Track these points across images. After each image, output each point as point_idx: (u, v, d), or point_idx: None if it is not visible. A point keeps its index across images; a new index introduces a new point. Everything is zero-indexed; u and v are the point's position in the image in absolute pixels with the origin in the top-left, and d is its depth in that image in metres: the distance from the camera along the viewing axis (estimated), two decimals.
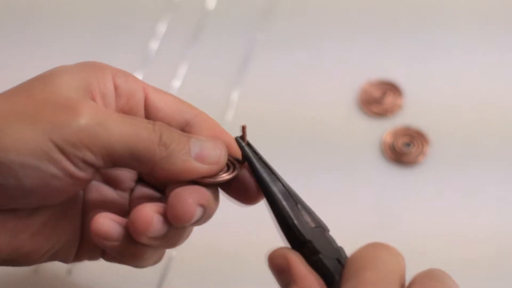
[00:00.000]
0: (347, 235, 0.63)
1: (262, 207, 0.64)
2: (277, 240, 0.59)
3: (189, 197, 0.47)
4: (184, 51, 0.72)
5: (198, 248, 0.62)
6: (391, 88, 0.69)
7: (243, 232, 0.63)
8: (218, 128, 0.51)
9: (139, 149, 0.46)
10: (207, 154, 0.48)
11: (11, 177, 0.45)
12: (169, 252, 0.62)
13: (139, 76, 0.70)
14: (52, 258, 0.50)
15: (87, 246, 0.51)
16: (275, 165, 0.64)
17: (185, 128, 0.50)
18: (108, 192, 0.52)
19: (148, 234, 0.47)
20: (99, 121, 0.46)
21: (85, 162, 0.46)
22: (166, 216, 0.47)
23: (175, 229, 0.48)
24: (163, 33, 0.73)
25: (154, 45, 0.72)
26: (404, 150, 0.66)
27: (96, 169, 0.47)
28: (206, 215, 0.48)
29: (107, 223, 0.47)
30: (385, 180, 0.65)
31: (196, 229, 0.63)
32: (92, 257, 0.52)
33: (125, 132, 0.46)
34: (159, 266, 0.61)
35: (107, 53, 0.72)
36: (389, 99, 0.68)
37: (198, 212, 0.47)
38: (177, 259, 0.62)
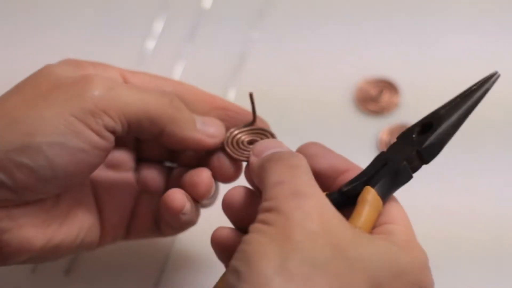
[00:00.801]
0: None
1: None
2: None
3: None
4: (181, 50, 0.72)
5: (195, 244, 0.62)
6: (387, 86, 0.69)
7: None
8: (199, 92, 0.56)
9: (152, 109, 0.50)
10: (209, 128, 0.53)
11: (41, 159, 0.47)
12: (167, 249, 0.62)
13: None
14: (80, 246, 0.52)
15: (108, 229, 0.54)
16: None
17: None
18: (112, 174, 0.55)
19: (209, 195, 0.52)
20: (111, 88, 0.48)
21: (106, 128, 0.48)
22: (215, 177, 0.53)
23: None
24: (160, 32, 0.73)
25: (150, 44, 0.73)
26: None
27: (115, 135, 0.49)
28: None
29: (181, 198, 0.51)
30: None
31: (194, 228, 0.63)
32: (115, 238, 0.55)
33: (138, 95, 0.49)
34: (157, 264, 0.61)
35: (103, 52, 0.72)
36: (386, 97, 0.68)
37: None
38: (173, 257, 0.62)
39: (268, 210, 0.43)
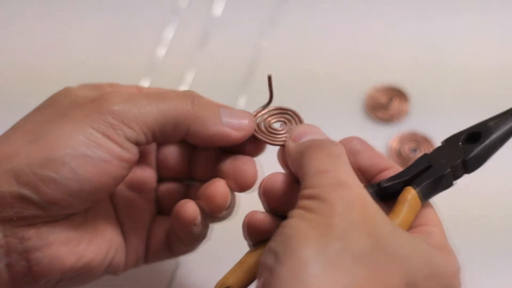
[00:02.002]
0: None
1: None
2: None
3: (250, 166, 0.52)
4: (191, 57, 0.72)
5: (204, 256, 0.62)
6: (397, 93, 0.69)
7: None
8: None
9: (172, 113, 0.50)
10: (236, 121, 0.52)
11: (66, 171, 0.47)
12: (176, 259, 0.62)
13: (146, 83, 0.71)
14: (109, 268, 0.53)
15: (131, 251, 0.54)
16: None
17: None
18: (133, 195, 0.55)
19: (225, 206, 0.51)
20: (129, 100, 0.49)
21: (128, 139, 0.49)
22: (231, 187, 0.52)
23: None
24: (170, 39, 0.73)
25: (161, 51, 0.73)
26: (410, 156, 0.66)
27: (139, 145, 0.50)
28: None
29: (193, 208, 0.51)
30: None
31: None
32: (137, 261, 0.55)
33: (157, 102, 0.50)
34: (166, 272, 0.61)
35: (115, 58, 0.73)
36: (396, 105, 0.68)
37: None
38: (183, 266, 0.62)
39: (311, 197, 0.43)
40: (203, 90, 0.70)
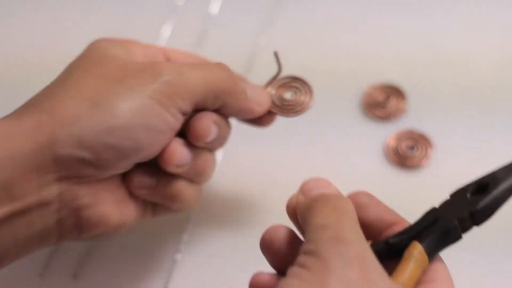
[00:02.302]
0: None
1: (264, 215, 0.64)
2: None
3: (204, 117, 0.53)
4: None
5: (201, 253, 0.63)
6: (394, 91, 0.69)
7: (246, 236, 0.63)
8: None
9: (216, 85, 0.53)
10: (258, 96, 0.57)
11: (127, 140, 0.50)
12: (174, 256, 0.62)
13: None
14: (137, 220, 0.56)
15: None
16: (277, 176, 0.65)
17: None
18: None
19: (175, 163, 0.53)
20: (180, 73, 0.52)
21: (179, 110, 0.52)
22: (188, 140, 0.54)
23: (199, 153, 0.55)
24: (167, 37, 0.73)
25: None
26: (407, 154, 0.66)
27: (185, 116, 0.52)
28: (220, 136, 0.55)
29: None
30: (389, 184, 0.65)
31: (199, 233, 0.63)
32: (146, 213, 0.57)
33: (203, 74, 0.53)
34: (164, 270, 0.62)
35: None
36: (393, 103, 0.68)
37: (213, 130, 0.54)
38: (181, 263, 0.62)
39: (308, 253, 0.41)
40: None
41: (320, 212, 0.44)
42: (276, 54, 0.59)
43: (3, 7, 0.75)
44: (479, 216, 0.46)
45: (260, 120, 0.58)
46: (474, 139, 0.67)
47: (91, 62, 0.53)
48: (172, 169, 0.53)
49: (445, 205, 0.47)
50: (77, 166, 0.49)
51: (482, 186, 0.47)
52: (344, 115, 0.68)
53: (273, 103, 0.58)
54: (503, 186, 0.46)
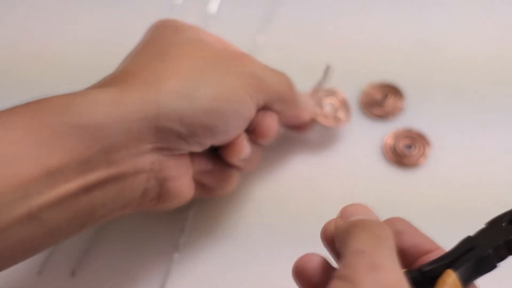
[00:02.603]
0: None
1: (261, 216, 0.64)
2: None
3: (271, 118, 0.57)
4: None
5: (199, 252, 0.63)
6: (392, 90, 0.69)
7: (244, 235, 0.63)
8: None
9: (284, 90, 0.57)
10: (307, 105, 0.62)
11: (222, 124, 0.53)
12: (171, 255, 0.62)
13: None
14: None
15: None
16: (275, 173, 0.65)
17: None
18: None
19: (241, 156, 0.57)
20: (262, 69, 0.56)
21: (258, 104, 0.55)
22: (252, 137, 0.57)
23: (255, 148, 0.58)
24: None
25: None
26: (405, 152, 0.66)
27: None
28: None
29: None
30: (387, 183, 0.65)
31: (198, 233, 0.63)
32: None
33: (277, 79, 0.57)
34: (161, 269, 0.62)
35: (110, 57, 0.72)
36: (391, 101, 0.69)
37: (276, 130, 0.58)
38: (179, 261, 0.62)
39: (342, 278, 0.41)
40: None
41: (358, 237, 0.43)
42: (327, 69, 0.66)
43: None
44: None
45: (302, 126, 0.63)
46: (472, 137, 0.67)
47: (185, 41, 0.55)
48: (234, 161, 0.57)
49: (481, 233, 0.47)
50: (172, 139, 0.52)
51: None
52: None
53: (315, 112, 0.64)
54: None
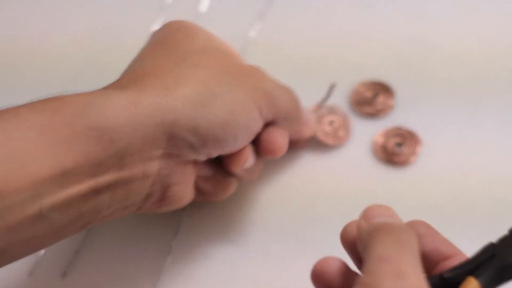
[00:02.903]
0: (337, 235, 0.63)
1: (255, 218, 0.64)
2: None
3: (280, 135, 0.57)
4: None
5: (191, 255, 0.63)
6: (382, 88, 0.69)
7: (238, 236, 0.63)
8: None
9: (291, 107, 0.58)
10: (310, 121, 0.63)
11: (231, 137, 0.53)
12: (164, 257, 0.62)
13: None
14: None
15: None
16: (267, 174, 0.65)
17: None
18: None
19: (244, 167, 0.56)
20: (274, 86, 0.56)
21: (266, 120, 0.55)
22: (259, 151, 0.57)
23: (258, 160, 0.58)
24: None
25: None
26: (395, 151, 0.66)
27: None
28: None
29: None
30: (377, 181, 0.65)
31: (190, 236, 0.63)
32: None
33: (286, 96, 0.58)
34: (153, 271, 0.62)
35: (101, 57, 0.73)
36: (381, 100, 0.69)
37: (285, 147, 0.58)
38: (171, 265, 0.62)
39: (365, 285, 0.41)
40: None
41: (382, 243, 0.43)
42: (332, 87, 0.66)
43: None
44: None
45: (299, 142, 0.64)
46: (462, 135, 0.67)
47: (202, 49, 0.55)
48: (237, 171, 0.57)
49: (503, 240, 0.46)
50: (183, 147, 0.52)
51: None
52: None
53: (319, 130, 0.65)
54: None
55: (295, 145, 0.64)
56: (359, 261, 0.46)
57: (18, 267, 0.61)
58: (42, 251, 0.62)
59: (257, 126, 0.55)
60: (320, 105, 0.67)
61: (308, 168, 0.66)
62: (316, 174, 0.66)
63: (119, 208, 0.52)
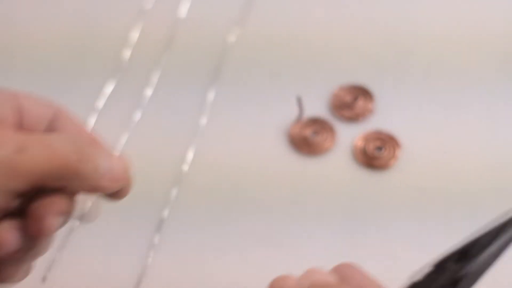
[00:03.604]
0: (319, 238, 0.63)
1: (237, 212, 0.64)
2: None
3: (47, 213, 0.45)
4: (157, 58, 0.72)
5: (172, 256, 0.62)
6: (362, 92, 0.69)
7: (218, 238, 0.63)
8: (80, 123, 0.49)
9: (60, 166, 0.45)
10: (116, 171, 0.47)
11: None
12: (144, 261, 0.62)
13: (112, 85, 0.70)
14: None
15: None
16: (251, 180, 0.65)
17: (52, 123, 0.48)
18: None
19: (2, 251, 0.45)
20: (20, 148, 0.44)
21: (14, 193, 0.44)
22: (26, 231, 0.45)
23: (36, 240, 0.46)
24: (135, 41, 0.73)
25: (126, 53, 0.73)
26: (375, 154, 0.66)
27: (18, 197, 0.44)
28: (67, 218, 0.46)
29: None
30: (357, 184, 0.65)
31: (172, 236, 0.63)
32: None
33: (46, 152, 0.45)
34: (134, 274, 0.61)
35: (80, 61, 0.72)
36: (361, 104, 0.69)
37: (58, 223, 0.45)
38: (152, 266, 0.62)
39: None
40: (169, 92, 0.70)
41: None
42: (299, 100, 0.64)
43: None
44: (463, 284, 0.45)
45: (114, 194, 0.48)
46: (441, 138, 0.68)
47: None
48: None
49: (428, 276, 0.46)
50: None
51: (464, 253, 0.46)
52: (313, 116, 0.69)
53: (296, 141, 0.66)
54: (486, 253, 0.45)
55: (111, 196, 0.49)
56: None
57: None
58: None
59: None
60: (299, 120, 0.67)
61: (288, 171, 0.66)
62: (296, 177, 0.66)
63: None
